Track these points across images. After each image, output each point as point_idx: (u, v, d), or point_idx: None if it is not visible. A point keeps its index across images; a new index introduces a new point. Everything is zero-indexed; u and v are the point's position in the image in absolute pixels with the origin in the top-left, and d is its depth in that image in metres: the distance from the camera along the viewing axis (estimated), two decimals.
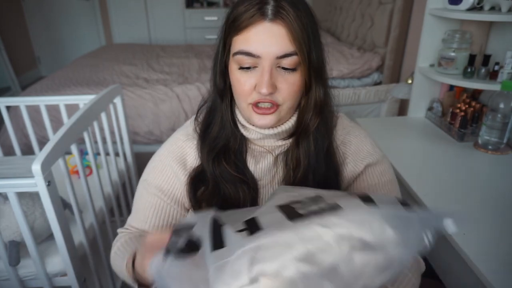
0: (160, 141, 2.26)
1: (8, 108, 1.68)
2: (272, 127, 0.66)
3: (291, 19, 0.57)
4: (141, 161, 1.31)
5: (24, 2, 4.40)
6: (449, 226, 0.43)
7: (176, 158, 0.73)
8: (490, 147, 1.29)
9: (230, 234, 0.43)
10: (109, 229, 1.39)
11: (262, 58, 0.58)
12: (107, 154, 1.46)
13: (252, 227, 0.44)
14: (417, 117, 1.64)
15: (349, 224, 0.42)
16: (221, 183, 0.68)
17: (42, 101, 1.51)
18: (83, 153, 1.54)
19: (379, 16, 2.37)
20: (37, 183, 0.92)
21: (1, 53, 3.84)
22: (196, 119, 0.74)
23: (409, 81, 1.76)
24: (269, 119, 0.63)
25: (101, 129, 1.39)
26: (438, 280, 1.05)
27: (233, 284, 0.38)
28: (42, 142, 1.77)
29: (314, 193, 0.52)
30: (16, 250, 1.05)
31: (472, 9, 1.30)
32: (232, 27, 0.60)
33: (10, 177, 0.94)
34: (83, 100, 1.50)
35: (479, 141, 1.32)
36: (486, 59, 1.35)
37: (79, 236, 1.18)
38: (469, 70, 1.36)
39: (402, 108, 2.21)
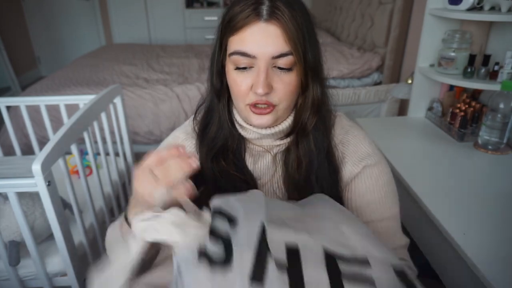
0: (160, 141, 2.25)
1: (8, 108, 1.68)
2: (269, 126, 0.66)
3: (286, 19, 0.57)
4: (141, 161, 1.31)
5: (24, 2, 4.39)
6: None
7: None
8: (490, 147, 1.29)
9: (273, 273, 0.41)
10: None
11: (257, 58, 0.59)
12: (107, 154, 1.46)
13: (294, 273, 0.42)
14: (417, 117, 1.64)
15: None
16: (220, 183, 0.68)
17: (42, 101, 1.51)
18: (83, 153, 1.54)
19: (379, 16, 2.37)
20: (37, 183, 0.92)
21: (1, 53, 3.84)
22: (194, 118, 0.74)
23: (409, 81, 1.76)
24: (266, 119, 0.63)
25: (101, 129, 1.39)
26: (438, 280, 1.05)
27: None
28: (42, 142, 1.77)
29: (361, 240, 0.50)
30: (16, 250, 1.05)
31: (472, 9, 1.30)
32: (228, 27, 0.61)
33: (10, 177, 0.94)
34: (83, 100, 1.50)
35: (479, 141, 1.32)
36: (486, 59, 1.35)
37: (79, 236, 1.18)
38: (469, 70, 1.36)
39: (402, 108, 2.21)
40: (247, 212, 0.47)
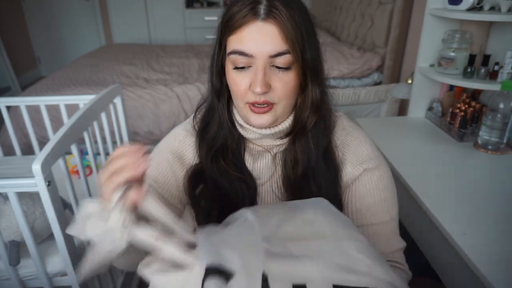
0: (160, 141, 2.26)
1: (8, 108, 1.68)
2: (269, 126, 0.66)
3: (283, 18, 0.57)
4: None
5: (24, 2, 4.40)
6: None
7: (174, 153, 0.73)
8: (490, 147, 1.29)
9: None
10: None
11: (255, 57, 0.59)
12: (107, 154, 1.46)
13: None
14: (417, 117, 1.64)
15: None
16: (220, 181, 0.68)
17: (42, 101, 1.51)
18: (83, 153, 1.54)
19: (379, 16, 2.37)
20: (37, 183, 0.92)
21: (1, 53, 3.84)
22: (194, 117, 0.75)
23: (409, 81, 1.76)
24: (265, 118, 0.63)
25: (101, 129, 1.39)
26: (437, 280, 1.05)
27: None
28: (42, 142, 1.77)
29: (364, 264, 0.48)
30: (16, 250, 1.05)
31: (472, 9, 1.30)
32: (227, 27, 0.61)
33: (10, 177, 0.94)
34: (83, 100, 1.50)
35: (479, 141, 1.32)
36: (486, 59, 1.35)
37: None
38: (469, 70, 1.37)
39: (402, 108, 2.21)
40: (244, 263, 0.44)
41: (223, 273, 0.43)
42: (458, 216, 0.99)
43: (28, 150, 1.93)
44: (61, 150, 1.03)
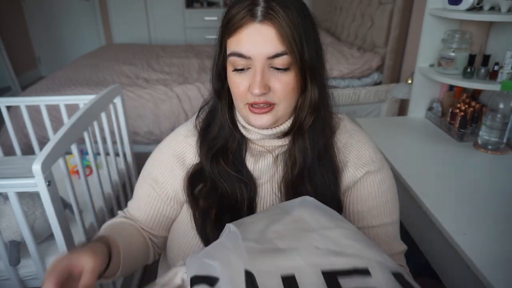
0: (160, 141, 2.25)
1: (8, 108, 1.68)
2: (270, 127, 0.66)
3: (281, 19, 0.57)
4: (141, 161, 1.31)
5: (24, 2, 4.40)
6: None
7: (175, 153, 0.74)
8: (490, 147, 1.29)
9: None
10: None
11: (253, 59, 0.59)
12: (107, 154, 1.46)
13: None
14: (417, 117, 1.64)
15: None
16: (219, 181, 0.69)
17: (42, 101, 1.51)
18: (83, 153, 1.54)
19: (379, 16, 2.37)
20: (37, 183, 0.92)
21: (1, 53, 3.84)
22: (197, 117, 0.75)
23: (409, 81, 1.76)
24: (265, 119, 0.63)
25: (101, 129, 1.39)
26: (438, 280, 1.05)
27: None
28: (42, 142, 1.77)
29: (354, 245, 0.50)
30: (16, 250, 1.06)
31: (472, 9, 1.30)
32: (226, 29, 0.61)
33: (10, 177, 0.94)
34: (83, 100, 1.50)
35: (479, 141, 1.32)
36: (486, 59, 1.35)
37: (79, 236, 1.18)
38: (469, 70, 1.37)
39: (402, 108, 2.21)
40: (225, 265, 0.45)
41: (208, 280, 0.44)
42: (458, 216, 0.99)
43: (28, 150, 1.93)
44: (61, 150, 1.03)
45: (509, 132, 1.26)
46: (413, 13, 2.21)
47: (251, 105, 0.63)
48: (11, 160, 1.60)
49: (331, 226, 0.53)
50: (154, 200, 0.75)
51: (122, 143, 1.57)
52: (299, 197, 0.61)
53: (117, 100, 1.49)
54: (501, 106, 1.21)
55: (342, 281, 0.44)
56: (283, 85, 0.61)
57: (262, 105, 0.62)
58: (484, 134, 1.29)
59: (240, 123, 0.69)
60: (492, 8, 1.30)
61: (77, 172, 1.43)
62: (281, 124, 0.67)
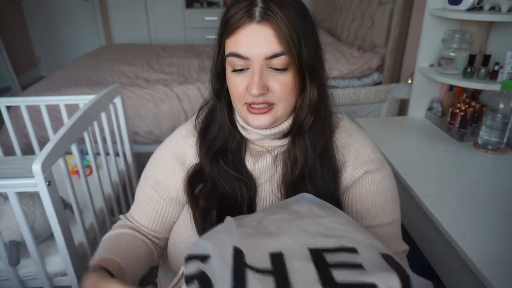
0: (160, 141, 2.25)
1: (8, 108, 1.68)
2: (268, 127, 0.66)
3: (278, 20, 0.57)
4: (141, 161, 1.31)
5: (24, 2, 4.40)
6: None
7: (175, 154, 0.74)
8: (490, 147, 1.29)
9: (253, 281, 0.42)
10: (109, 229, 1.39)
11: (251, 59, 0.59)
12: (107, 154, 1.46)
13: (279, 272, 0.43)
14: (417, 117, 1.64)
15: None
16: (219, 181, 0.69)
17: (42, 101, 1.51)
18: (83, 153, 1.54)
19: (379, 16, 2.37)
20: (37, 183, 0.92)
21: (1, 53, 3.84)
22: (197, 117, 0.75)
23: (409, 81, 1.76)
24: (264, 119, 0.63)
25: (101, 129, 1.40)
26: (438, 280, 1.05)
27: None
28: (42, 142, 1.77)
29: (344, 229, 0.51)
30: (16, 250, 1.05)
31: (472, 9, 1.30)
32: (224, 29, 0.62)
33: (10, 177, 0.94)
34: (83, 100, 1.50)
35: (479, 141, 1.32)
36: (486, 59, 1.35)
37: (79, 236, 1.18)
38: (469, 70, 1.36)
39: (402, 108, 2.21)
40: (216, 243, 0.48)
41: (200, 257, 0.47)
42: (458, 216, 0.99)
43: (28, 150, 1.93)
44: (61, 150, 1.03)
45: (509, 132, 1.26)
46: (413, 13, 2.21)
47: (250, 106, 0.63)
48: (11, 160, 1.60)
49: (323, 215, 0.55)
50: (156, 202, 0.75)
51: (122, 143, 1.57)
52: (298, 194, 0.62)
53: (117, 100, 1.49)
54: (501, 106, 1.21)
55: (328, 255, 0.46)
56: (281, 85, 0.61)
57: (260, 105, 0.62)
58: (484, 134, 1.28)
59: (239, 123, 0.70)
60: (492, 8, 1.30)
61: (77, 172, 1.43)
62: (280, 124, 0.67)
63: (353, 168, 0.71)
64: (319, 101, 0.66)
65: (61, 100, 1.51)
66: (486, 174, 1.20)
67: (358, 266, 0.44)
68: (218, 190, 0.69)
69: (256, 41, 0.58)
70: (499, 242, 0.89)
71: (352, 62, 2.36)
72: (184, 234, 0.73)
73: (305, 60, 0.61)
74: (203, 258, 0.47)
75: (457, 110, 1.42)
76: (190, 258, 0.48)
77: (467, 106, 1.43)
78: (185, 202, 0.74)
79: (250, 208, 0.70)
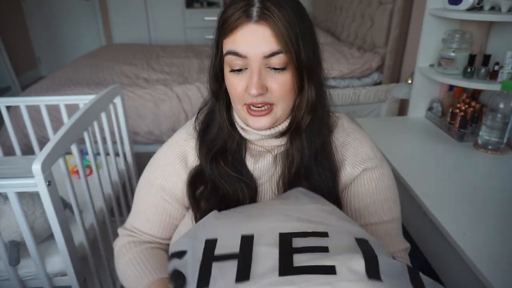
0: (160, 141, 2.26)
1: (8, 108, 1.68)
2: (268, 128, 0.66)
3: (276, 19, 0.57)
4: (141, 161, 1.31)
5: (24, 2, 4.40)
6: None
7: (178, 157, 0.74)
8: (490, 147, 1.29)
9: (216, 270, 0.44)
10: (109, 229, 1.39)
11: (249, 58, 0.59)
12: (107, 154, 1.46)
13: (244, 257, 0.44)
14: (417, 117, 1.64)
15: None
16: (219, 183, 0.69)
17: (42, 101, 1.51)
18: (83, 153, 1.54)
19: (379, 16, 2.37)
20: (37, 183, 0.92)
21: (1, 53, 3.84)
22: (197, 118, 0.75)
23: (409, 81, 1.76)
24: (264, 121, 0.63)
25: (101, 129, 1.39)
26: (438, 280, 1.05)
27: None
28: (42, 142, 1.77)
29: (325, 216, 0.52)
30: (16, 250, 1.05)
31: (472, 9, 1.30)
32: (222, 30, 0.62)
33: (10, 177, 0.94)
34: (83, 100, 1.50)
35: (479, 141, 1.32)
36: (486, 59, 1.35)
37: (79, 236, 1.18)
38: (469, 70, 1.36)
39: (402, 108, 2.21)
40: (192, 239, 0.50)
41: (178, 254, 0.50)
42: (458, 216, 0.99)
43: (28, 150, 1.93)
44: (61, 150, 1.03)
45: (509, 132, 1.26)
46: (413, 13, 2.21)
47: (249, 107, 0.63)
48: (11, 160, 1.60)
49: (308, 202, 0.57)
50: (164, 209, 0.74)
51: (122, 143, 1.57)
52: (293, 189, 0.63)
53: (117, 100, 1.49)
54: (501, 106, 1.21)
55: (295, 240, 0.46)
56: (280, 85, 0.61)
57: (260, 106, 0.62)
58: (484, 134, 1.28)
59: (238, 124, 0.69)
60: (492, 8, 1.30)
61: (77, 172, 1.43)
62: (279, 124, 0.67)
63: (351, 166, 0.71)
64: (317, 101, 0.66)
65: (61, 100, 1.51)
66: (486, 174, 1.20)
67: (323, 250, 0.44)
68: (219, 191, 0.69)
69: (254, 40, 0.58)
70: (499, 242, 0.89)
71: (352, 62, 2.36)
72: None
73: (303, 60, 0.61)
74: (180, 255, 0.49)
75: (457, 110, 1.42)
76: (171, 256, 0.50)
77: (467, 106, 1.43)
78: (188, 206, 0.73)
79: None
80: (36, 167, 0.90)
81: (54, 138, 1.01)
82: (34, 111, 1.82)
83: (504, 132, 1.25)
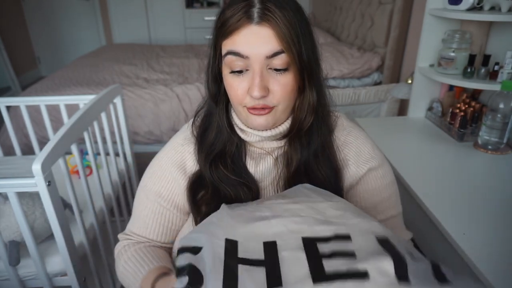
0: (160, 141, 2.26)
1: (8, 108, 1.68)
2: (269, 128, 0.66)
3: (278, 20, 0.57)
4: (141, 161, 1.31)
5: (24, 2, 4.40)
6: None
7: (176, 163, 0.73)
8: (490, 147, 1.29)
9: (243, 275, 0.42)
10: (109, 229, 1.39)
11: (251, 59, 0.58)
12: (107, 154, 1.46)
13: (271, 263, 0.43)
14: (417, 117, 1.64)
15: None
16: (221, 186, 0.68)
17: (42, 101, 1.51)
18: (83, 153, 1.54)
19: (379, 16, 2.37)
20: (37, 183, 0.92)
21: (1, 53, 3.84)
22: (193, 122, 0.74)
23: (409, 81, 1.76)
24: (264, 118, 0.62)
25: (101, 129, 1.39)
26: None
27: None
28: (42, 142, 1.77)
29: (340, 215, 0.51)
30: (16, 250, 1.05)
31: (472, 9, 1.30)
32: (221, 32, 0.60)
33: (10, 177, 0.94)
34: (83, 100, 1.50)
35: (479, 141, 1.32)
36: (486, 59, 1.35)
37: (79, 236, 1.18)
38: (469, 70, 1.36)
39: (402, 108, 2.21)
40: (209, 236, 0.49)
41: (192, 249, 0.48)
42: (458, 216, 0.99)
43: (28, 150, 1.93)
44: (61, 150, 1.03)
45: (509, 132, 1.26)
46: (413, 13, 2.21)
47: (249, 110, 0.62)
48: (11, 160, 1.60)
49: (320, 200, 0.56)
50: (162, 215, 0.74)
51: (122, 143, 1.57)
52: (299, 185, 0.62)
53: (117, 100, 1.49)
54: (501, 106, 1.21)
55: (321, 245, 0.46)
56: (282, 87, 0.60)
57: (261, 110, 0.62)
58: (484, 134, 1.28)
59: (237, 126, 0.68)
60: (492, 8, 1.30)
61: (77, 172, 1.43)
62: (279, 125, 0.67)
63: (356, 166, 0.71)
64: (317, 101, 0.66)
65: (61, 100, 1.51)
66: (486, 174, 1.20)
67: (350, 254, 0.44)
68: (220, 195, 0.68)
69: (255, 41, 0.57)
70: (499, 242, 0.89)
71: (352, 62, 2.36)
72: None
73: (304, 60, 0.60)
74: (195, 250, 0.47)
75: (457, 110, 1.42)
76: (182, 250, 0.48)
77: (467, 106, 1.43)
78: (189, 212, 0.73)
79: None
80: (36, 167, 0.90)
81: (54, 138, 1.01)
82: (34, 111, 1.82)
83: (504, 132, 1.25)
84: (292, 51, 0.58)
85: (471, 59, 1.37)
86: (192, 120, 0.75)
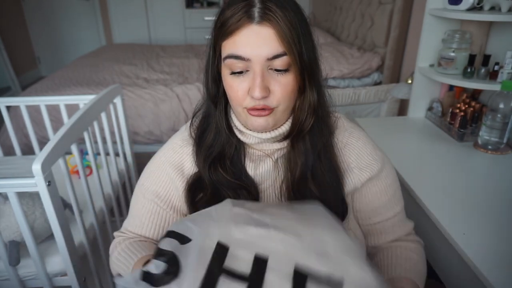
0: (160, 141, 2.26)
1: (8, 108, 1.68)
2: (269, 129, 0.65)
3: (279, 20, 0.56)
4: (141, 161, 1.31)
5: (24, 2, 4.40)
6: None
7: (173, 164, 0.72)
8: (490, 147, 1.29)
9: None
10: (109, 229, 1.39)
11: (252, 61, 0.57)
12: (107, 154, 1.46)
13: (255, 283, 0.42)
14: (417, 117, 1.64)
15: None
16: (220, 189, 0.67)
17: (42, 101, 1.51)
18: (83, 153, 1.54)
19: (379, 16, 2.37)
20: (37, 183, 0.92)
21: (1, 53, 3.84)
22: (191, 124, 0.73)
23: (409, 81, 1.76)
24: (264, 119, 0.62)
25: (101, 129, 1.39)
26: (438, 280, 1.05)
27: None
28: (42, 142, 1.77)
29: (340, 257, 0.48)
30: (16, 250, 1.05)
31: (472, 9, 1.30)
32: (221, 32, 0.60)
33: (10, 177, 0.94)
34: (83, 100, 1.50)
35: (479, 141, 1.32)
36: (486, 59, 1.35)
37: (79, 236, 1.18)
38: (469, 70, 1.36)
39: (402, 108, 2.21)
40: (203, 231, 0.47)
41: (181, 237, 0.47)
42: (458, 216, 0.99)
43: (28, 150, 1.93)
44: (61, 150, 1.03)
45: (509, 132, 1.26)
46: (413, 13, 2.21)
47: (249, 110, 0.62)
48: (11, 160, 1.60)
49: (327, 232, 0.52)
50: (159, 215, 0.73)
51: (122, 143, 1.57)
52: (311, 201, 0.60)
53: (117, 100, 1.49)
54: (501, 106, 1.21)
55: (310, 284, 0.44)
56: (282, 88, 0.60)
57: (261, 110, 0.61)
58: (484, 134, 1.28)
59: (236, 127, 0.68)
60: (492, 8, 1.30)
61: (77, 172, 1.43)
62: (279, 127, 0.66)
63: (359, 170, 0.71)
64: (318, 102, 0.65)
65: (61, 100, 1.51)
66: (486, 174, 1.20)
67: None
68: (220, 197, 0.67)
69: (256, 42, 0.57)
70: (499, 242, 0.89)
71: (352, 62, 2.36)
72: None
73: (305, 60, 0.60)
74: (183, 240, 0.46)
75: (457, 110, 1.42)
76: (170, 234, 0.47)
77: (467, 106, 1.43)
78: (187, 212, 0.72)
79: None
80: (36, 167, 0.90)
81: (54, 138, 1.01)
82: (34, 111, 1.82)
83: (504, 132, 1.25)
84: (293, 51, 0.57)
85: (471, 59, 1.37)
86: (189, 121, 0.74)
